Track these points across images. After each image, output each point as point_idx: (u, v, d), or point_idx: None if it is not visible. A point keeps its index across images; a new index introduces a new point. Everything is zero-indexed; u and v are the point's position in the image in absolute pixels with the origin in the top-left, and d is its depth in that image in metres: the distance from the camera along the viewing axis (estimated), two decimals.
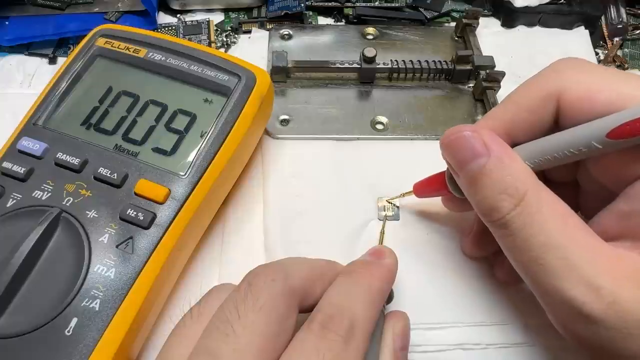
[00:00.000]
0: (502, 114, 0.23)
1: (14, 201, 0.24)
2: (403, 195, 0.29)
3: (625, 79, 0.20)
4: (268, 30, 0.39)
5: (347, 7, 0.40)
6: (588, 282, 0.18)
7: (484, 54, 0.37)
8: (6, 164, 0.25)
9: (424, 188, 0.28)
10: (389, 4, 0.40)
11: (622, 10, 0.40)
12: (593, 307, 0.18)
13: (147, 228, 0.23)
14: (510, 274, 0.26)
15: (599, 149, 0.19)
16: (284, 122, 0.33)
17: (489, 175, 0.20)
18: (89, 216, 0.24)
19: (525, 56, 0.38)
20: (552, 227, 0.19)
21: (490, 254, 0.27)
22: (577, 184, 0.24)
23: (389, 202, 0.30)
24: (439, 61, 0.35)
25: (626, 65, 0.38)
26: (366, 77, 0.35)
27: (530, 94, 0.22)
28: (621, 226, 0.20)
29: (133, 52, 0.28)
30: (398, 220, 0.29)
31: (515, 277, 0.26)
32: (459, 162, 0.22)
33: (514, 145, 0.22)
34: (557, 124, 0.22)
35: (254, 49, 0.38)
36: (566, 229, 0.19)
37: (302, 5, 0.39)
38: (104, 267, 0.23)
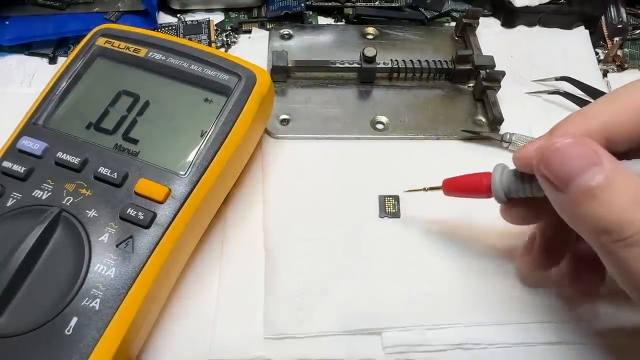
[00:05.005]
0: (601, 113, 0.20)
1: (14, 200, 0.24)
2: (426, 190, 0.27)
3: None
4: (268, 30, 0.39)
5: (347, 7, 0.40)
6: None
7: (484, 53, 0.37)
8: (6, 164, 0.25)
9: (456, 187, 0.25)
10: (389, 4, 0.40)
11: (622, 10, 0.40)
12: None
13: (147, 227, 0.23)
14: (590, 282, 0.24)
15: None
16: (284, 121, 0.33)
17: (611, 186, 0.17)
18: (89, 215, 0.24)
19: (525, 56, 0.38)
20: None
21: (557, 271, 0.25)
22: None
23: (406, 192, 0.28)
24: (439, 61, 0.35)
25: (626, 65, 0.38)
26: (366, 76, 0.35)
27: None
28: None
29: (133, 51, 0.28)
30: (399, 217, 0.29)
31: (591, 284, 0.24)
32: (565, 176, 0.18)
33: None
34: None
35: (254, 48, 0.38)
36: None
37: (302, 5, 0.39)
38: (104, 266, 0.23)
